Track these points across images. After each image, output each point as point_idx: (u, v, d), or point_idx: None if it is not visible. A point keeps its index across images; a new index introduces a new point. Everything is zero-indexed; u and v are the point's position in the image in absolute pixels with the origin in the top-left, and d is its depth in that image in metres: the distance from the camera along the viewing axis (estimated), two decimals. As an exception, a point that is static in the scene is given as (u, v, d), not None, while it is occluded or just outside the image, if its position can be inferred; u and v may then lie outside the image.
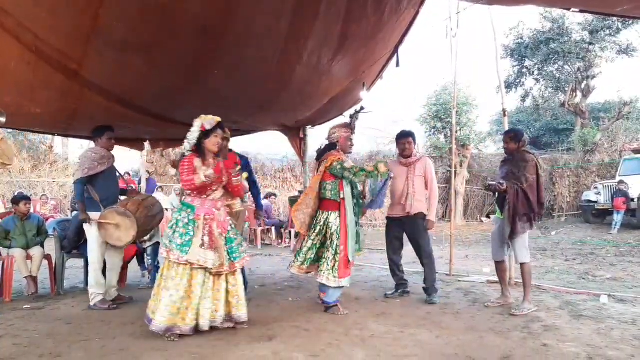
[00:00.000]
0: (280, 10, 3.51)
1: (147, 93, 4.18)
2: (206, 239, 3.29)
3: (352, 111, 4.30)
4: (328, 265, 3.86)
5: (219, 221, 3.38)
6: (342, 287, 3.92)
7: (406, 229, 4.54)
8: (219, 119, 3.40)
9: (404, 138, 4.61)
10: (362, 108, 4.25)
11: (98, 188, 4.28)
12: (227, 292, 3.40)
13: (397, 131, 4.80)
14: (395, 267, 4.69)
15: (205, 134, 3.35)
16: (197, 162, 3.34)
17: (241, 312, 3.45)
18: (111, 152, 4.50)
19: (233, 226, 3.55)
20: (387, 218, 4.73)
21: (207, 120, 3.35)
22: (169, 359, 2.87)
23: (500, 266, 4.36)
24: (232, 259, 3.39)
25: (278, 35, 3.75)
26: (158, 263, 5.47)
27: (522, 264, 4.07)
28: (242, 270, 3.69)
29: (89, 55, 3.33)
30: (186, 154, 3.42)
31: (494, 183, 4.11)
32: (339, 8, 3.78)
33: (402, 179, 4.50)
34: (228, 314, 3.41)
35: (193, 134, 3.36)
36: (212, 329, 3.34)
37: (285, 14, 3.56)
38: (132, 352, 2.98)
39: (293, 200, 5.83)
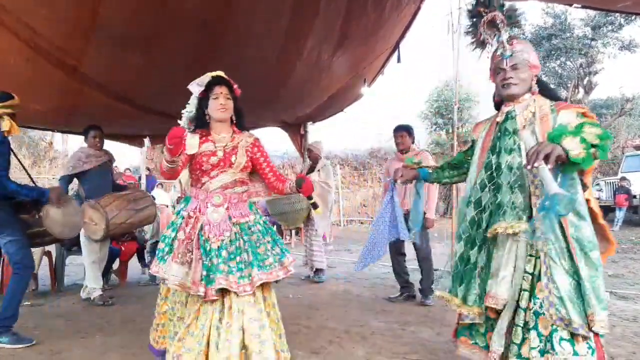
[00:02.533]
0: (280, 9, 3.49)
1: (146, 90, 4.16)
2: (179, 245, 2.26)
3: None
4: None
5: (211, 223, 2.27)
6: None
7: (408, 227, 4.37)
8: (217, 73, 2.44)
9: (398, 132, 4.44)
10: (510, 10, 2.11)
11: (86, 186, 4.41)
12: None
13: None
14: (399, 269, 4.50)
15: (203, 99, 2.40)
16: (191, 138, 2.28)
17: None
18: (99, 150, 4.51)
19: (251, 231, 2.33)
20: None
21: (199, 80, 2.41)
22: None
23: None
24: (208, 282, 2.15)
25: (278, 34, 3.73)
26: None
27: None
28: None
29: (88, 51, 3.32)
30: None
31: None
32: (339, 6, 3.76)
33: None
34: None
35: (191, 103, 2.46)
36: None
37: (285, 13, 3.54)
38: (133, 349, 2.97)
39: (271, 201, 5.72)
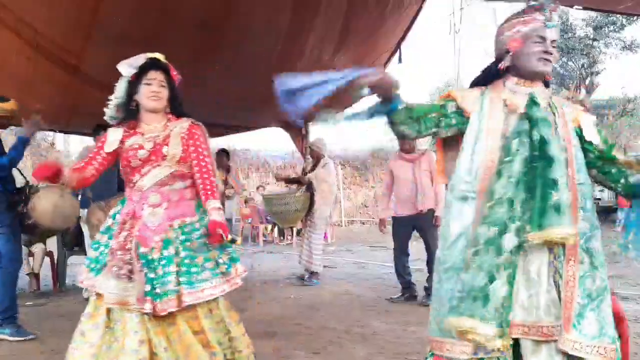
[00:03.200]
0: (280, 8, 3.49)
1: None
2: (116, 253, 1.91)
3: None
4: None
5: (149, 227, 1.93)
6: None
7: (418, 227, 4.40)
8: (155, 54, 2.08)
9: None
10: None
11: (92, 185, 4.39)
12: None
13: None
14: (402, 270, 4.46)
15: (134, 83, 2.03)
16: (113, 133, 2.03)
17: None
18: None
19: (185, 238, 1.97)
20: (395, 218, 4.53)
21: (132, 60, 2.05)
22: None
23: None
24: (155, 297, 1.85)
25: (278, 31, 3.73)
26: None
27: None
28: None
29: (89, 49, 3.33)
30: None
31: None
32: (340, 2, 3.76)
33: (408, 175, 4.34)
34: None
35: (119, 87, 2.08)
36: None
37: (285, 12, 3.54)
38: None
39: (267, 199, 5.66)
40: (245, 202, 11.22)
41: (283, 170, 15.48)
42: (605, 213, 12.89)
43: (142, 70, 2.02)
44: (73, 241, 5.06)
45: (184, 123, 2.08)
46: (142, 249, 1.90)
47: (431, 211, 4.34)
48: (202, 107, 4.51)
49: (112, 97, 2.09)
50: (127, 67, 2.04)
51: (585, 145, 1.62)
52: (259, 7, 3.40)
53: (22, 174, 3.90)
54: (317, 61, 4.42)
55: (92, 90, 3.91)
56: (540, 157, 1.54)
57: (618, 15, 16.41)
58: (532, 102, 1.59)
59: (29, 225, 3.41)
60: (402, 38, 5.32)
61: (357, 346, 3.03)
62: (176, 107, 2.11)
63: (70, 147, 17.51)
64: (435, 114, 1.71)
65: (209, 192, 2.01)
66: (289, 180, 5.85)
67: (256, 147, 15.80)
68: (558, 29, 1.62)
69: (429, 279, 4.29)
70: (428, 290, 4.29)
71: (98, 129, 4.50)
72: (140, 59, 2.04)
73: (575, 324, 1.44)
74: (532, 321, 1.47)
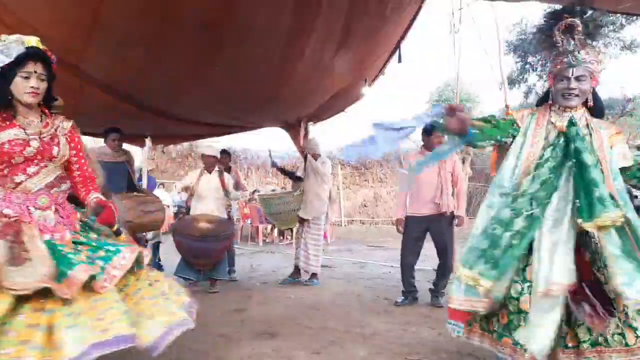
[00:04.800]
0: (281, 5, 3.49)
1: (147, 88, 4.17)
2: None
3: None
4: None
5: (45, 228, 1.86)
6: None
7: (433, 228, 4.19)
8: (32, 41, 1.90)
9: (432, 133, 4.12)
10: None
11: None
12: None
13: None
14: (408, 272, 4.27)
15: (5, 73, 1.83)
16: None
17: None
18: (117, 152, 4.67)
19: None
20: (409, 217, 4.26)
21: (4, 46, 1.82)
22: (169, 355, 2.86)
23: None
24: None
25: (279, 31, 3.73)
26: (159, 260, 5.51)
27: None
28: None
29: (90, 49, 3.32)
30: None
31: None
32: (341, 3, 3.76)
33: (433, 174, 4.12)
34: None
35: None
36: None
37: (286, 10, 3.54)
38: (132, 348, 2.97)
39: (265, 200, 5.62)
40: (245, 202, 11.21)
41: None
42: None
43: (19, 61, 1.83)
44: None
45: (66, 123, 2.05)
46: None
47: (452, 213, 4.24)
48: (203, 107, 4.50)
49: None
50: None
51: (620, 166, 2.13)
52: (259, 8, 3.40)
53: None
54: (318, 62, 4.42)
55: (92, 90, 3.92)
56: (577, 164, 1.97)
57: (618, 15, 16.40)
58: (571, 123, 2.07)
59: None
60: (402, 37, 5.32)
61: (357, 346, 3.03)
62: (50, 101, 2.01)
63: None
64: (510, 129, 2.19)
65: (92, 188, 2.12)
66: (284, 172, 5.83)
67: (256, 147, 15.79)
68: (583, 67, 2.08)
69: (437, 285, 4.24)
70: (435, 292, 4.26)
71: (109, 131, 4.58)
72: (16, 45, 1.83)
73: None
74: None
